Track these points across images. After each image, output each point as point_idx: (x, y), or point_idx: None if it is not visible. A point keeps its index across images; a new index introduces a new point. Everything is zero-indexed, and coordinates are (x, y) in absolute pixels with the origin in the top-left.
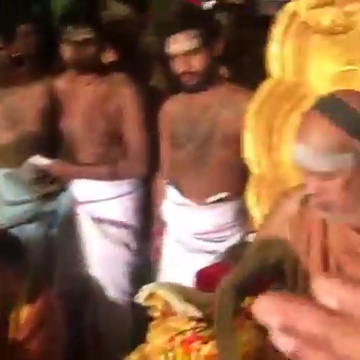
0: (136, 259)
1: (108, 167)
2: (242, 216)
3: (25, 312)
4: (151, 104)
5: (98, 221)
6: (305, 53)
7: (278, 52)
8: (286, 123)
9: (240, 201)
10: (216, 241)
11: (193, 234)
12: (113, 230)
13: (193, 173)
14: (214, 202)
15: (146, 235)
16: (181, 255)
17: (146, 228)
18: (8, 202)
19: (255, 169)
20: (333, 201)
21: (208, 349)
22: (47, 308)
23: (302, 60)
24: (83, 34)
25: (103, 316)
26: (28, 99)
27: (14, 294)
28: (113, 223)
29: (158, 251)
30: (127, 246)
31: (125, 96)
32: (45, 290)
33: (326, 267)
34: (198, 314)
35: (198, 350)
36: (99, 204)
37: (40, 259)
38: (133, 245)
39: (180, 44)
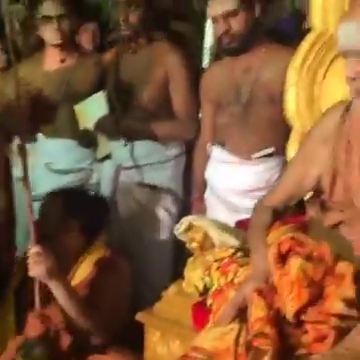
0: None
1: (159, 124)
2: None
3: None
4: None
5: (141, 186)
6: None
7: (320, 4)
8: (329, 73)
9: (284, 157)
10: None
11: (238, 192)
12: (157, 196)
13: (238, 133)
14: (259, 158)
15: (186, 202)
16: (224, 216)
17: (186, 195)
18: (59, 171)
19: (296, 123)
20: None
21: (246, 272)
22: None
23: (343, 10)
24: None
25: (146, 285)
26: (81, 74)
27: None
28: (157, 188)
29: None
30: (168, 211)
31: (173, 62)
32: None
33: None
34: (236, 243)
35: (235, 272)
36: (143, 169)
37: None
38: (173, 211)
39: (220, 5)
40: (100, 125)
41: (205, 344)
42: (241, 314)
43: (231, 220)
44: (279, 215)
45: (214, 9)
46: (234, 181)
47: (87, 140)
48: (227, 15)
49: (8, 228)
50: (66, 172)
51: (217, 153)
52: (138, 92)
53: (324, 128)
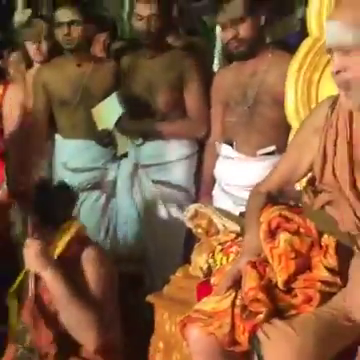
0: None
1: (171, 123)
2: None
3: None
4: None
5: (157, 183)
6: None
7: (317, 10)
8: (324, 75)
9: None
10: None
11: (244, 187)
12: (171, 192)
13: (244, 131)
14: (263, 155)
15: (197, 198)
16: (231, 209)
17: (198, 192)
18: (74, 169)
19: (295, 123)
20: (353, 79)
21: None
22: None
23: None
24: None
25: (159, 274)
26: (97, 78)
27: None
28: (171, 186)
29: None
30: (181, 207)
31: (187, 66)
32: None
33: (351, 161)
34: (237, 228)
35: (236, 253)
36: (160, 167)
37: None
38: (186, 207)
39: (228, 12)
40: (119, 125)
41: (206, 307)
42: (236, 284)
43: (237, 213)
44: (273, 199)
45: (223, 16)
46: (240, 176)
47: (107, 140)
48: (235, 22)
49: None
50: (81, 171)
51: (225, 150)
52: (154, 95)
53: (315, 120)
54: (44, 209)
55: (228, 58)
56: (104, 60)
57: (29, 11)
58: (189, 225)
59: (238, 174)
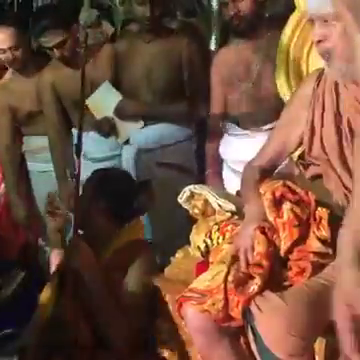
0: None
1: (172, 105)
2: None
3: None
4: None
5: (160, 165)
6: None
7: None
8: (312, 50)
9: None
10: None
11: None
12: (176, 174)
13: (249, 108)
14: (269, 130)
15: (201, 178)
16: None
17: (202, 173)
18: (93, 159)
19: (287, 97)
20: (332, 47)
21: None
22: None
23: None
24: None
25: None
26: (99, 68)
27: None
28: (175, 167)
29: None
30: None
31: (186, 48)
32: None
33: (339, 131)
34: (232, 207)
35: (232, 231)
36: (161, 150)
37: None
38: None
39: None
40: (119, 110)
41: (199, 285)
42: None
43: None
44: (266, 173)
45: None
46: (246, 153)
47: (108, 128)
48: None
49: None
50: (100, 160)
51: (230, 128)
52: (153, 78)
53: (303, 93)
54: (122, 201)
55: (229, 34)
56: (100, 49)
57: None
58: (185, 206)
59: (245, 151)
